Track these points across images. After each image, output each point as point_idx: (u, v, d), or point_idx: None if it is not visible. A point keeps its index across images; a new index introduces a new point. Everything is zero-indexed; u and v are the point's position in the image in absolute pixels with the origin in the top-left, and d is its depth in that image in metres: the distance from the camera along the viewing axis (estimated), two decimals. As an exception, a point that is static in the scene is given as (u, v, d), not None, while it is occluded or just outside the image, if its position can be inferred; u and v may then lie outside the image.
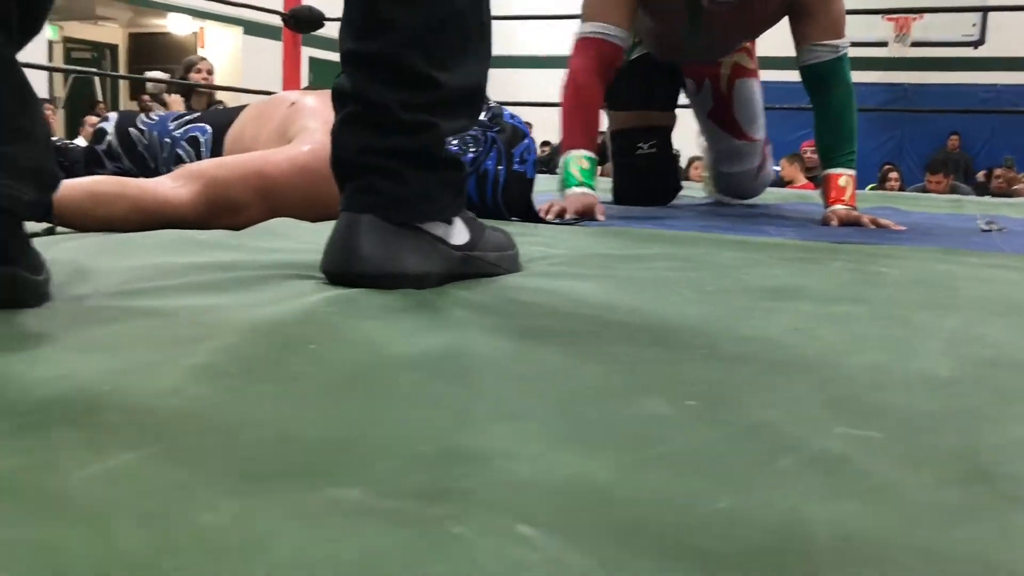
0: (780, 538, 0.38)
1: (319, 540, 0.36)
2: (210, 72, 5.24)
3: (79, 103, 10.04)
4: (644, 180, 2.61)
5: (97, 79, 10.54)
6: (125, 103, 11.26)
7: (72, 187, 1.42)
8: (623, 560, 0.35)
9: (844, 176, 2.10)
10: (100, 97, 10.47)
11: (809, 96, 2.16)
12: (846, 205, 2.08)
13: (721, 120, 2.58)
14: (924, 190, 6.18)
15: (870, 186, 6.74)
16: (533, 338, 0.73)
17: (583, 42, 2.08)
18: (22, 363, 0.61)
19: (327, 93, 1.89)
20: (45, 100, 9.04)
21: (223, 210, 1.48)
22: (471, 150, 1.74)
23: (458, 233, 1.03)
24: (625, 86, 2.37)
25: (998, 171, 7.91)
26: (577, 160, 2.00)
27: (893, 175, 7.49)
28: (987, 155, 10.41)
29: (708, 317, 0.84)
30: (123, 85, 11.49)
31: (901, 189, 6.98)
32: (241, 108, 1.93)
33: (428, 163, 0.98)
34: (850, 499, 0.42)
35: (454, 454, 0.46)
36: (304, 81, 4.56)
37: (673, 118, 2.67)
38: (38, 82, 9.66)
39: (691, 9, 2.17)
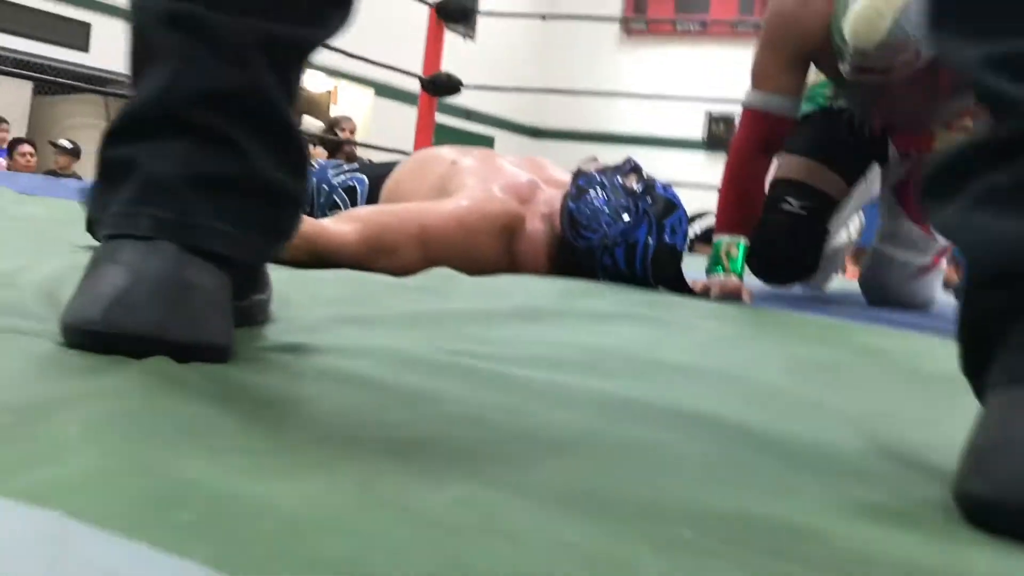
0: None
1: (555, 524, 0.39)
2: (352, 131, 5.66)
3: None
4: (772, 244, 2.06)
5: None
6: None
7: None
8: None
9: None
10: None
11: None
12: None
13: (903, 196, 2.25)
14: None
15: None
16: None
17: (747, 115, 1.98)
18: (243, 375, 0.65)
19: (483, 152, 1.94)
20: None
21: (382, 253, 1.54)
22: (623, 219, 1.76)
23: None
24: (810, 129, 2.16)
25: None
26: (726, 246, 1.93)
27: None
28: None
29: (880, 409, 0.82)
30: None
31: None
32: (394, 164, 2.00)
33: None
34: None
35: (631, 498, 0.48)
36: (432, 143, 4.69)
37: (845, 192, 2.20)
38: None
39: (835, 79, 1.97)
